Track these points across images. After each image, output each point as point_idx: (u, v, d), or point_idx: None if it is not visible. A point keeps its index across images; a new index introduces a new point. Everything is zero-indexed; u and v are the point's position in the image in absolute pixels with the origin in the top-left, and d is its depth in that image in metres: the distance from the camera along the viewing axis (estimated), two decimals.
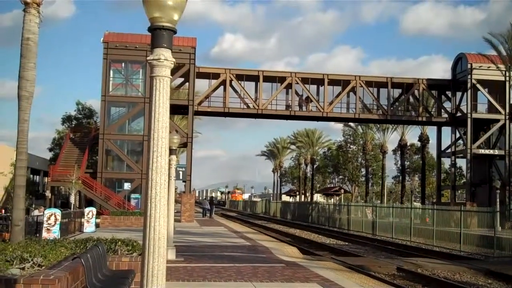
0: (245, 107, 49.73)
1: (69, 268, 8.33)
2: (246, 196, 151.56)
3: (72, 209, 33.62)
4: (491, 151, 49.32)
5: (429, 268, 19.98)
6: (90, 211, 29.37)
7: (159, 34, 4.60)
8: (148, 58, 4.68)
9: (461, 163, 59.74)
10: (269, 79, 50.36)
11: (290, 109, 49.66)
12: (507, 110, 46.90)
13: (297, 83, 49.39)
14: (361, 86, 50.04)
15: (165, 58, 4.60)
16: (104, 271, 9.39)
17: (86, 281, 8.24)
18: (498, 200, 36.77)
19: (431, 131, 61.04)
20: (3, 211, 30.48)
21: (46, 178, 55.94)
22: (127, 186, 44.14)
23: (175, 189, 51.40)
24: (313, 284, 12.83)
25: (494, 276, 18.50)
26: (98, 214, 33.44)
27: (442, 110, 52.67)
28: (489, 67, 47.33)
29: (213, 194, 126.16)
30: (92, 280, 8.31)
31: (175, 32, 4.66)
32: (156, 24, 4.59)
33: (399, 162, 76.27)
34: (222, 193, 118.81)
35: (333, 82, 50.85)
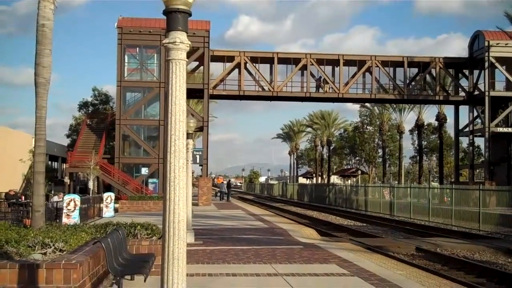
0: (260, 89, 49.58)
1: (90, 253, 8.41)
2: (262, 179, 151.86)
3: (90, 195, 33.94)
4: (510, 129, 48.76)
5: (448, 247, 19.93)
6: (109, 196, 29.61)
7: (174, 17, 4.57)
8: (163, 41, 4.65)
9: (479, 142, 59.21)
10: (284, 61, 50.08)
11: (306, 91, 49.43)
12: None
13: (312, 64, 49.07)
14: (377, 66, 49.60)
15: (180, 41, 4.57)
16: (124, 255, 9.47)
17: (107, 265, 8.33)
18: None
19: (449, 110, 60.52)
20: (23, 197, 30.82)
21: (64, 164, 56.43)
22: (144, 171, 44.40)
23: (192, 173, 51.58)
24: (331, 265, 12.85)
25: None
26: (117, 199, 33.70)
27: (460, 89, 52.05)
28: (506, 44, 46.67)
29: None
30: (113, 264, 8.39)
31: (190, 15, 4.62)
32: (171, 7, 4.55)
33: (416, 142, 75.85)
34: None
35: (348, 63, 50.46)
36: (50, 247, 8.11)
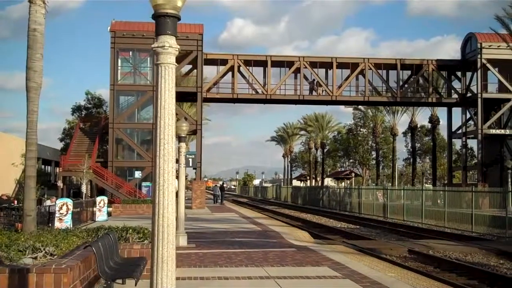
0: (253, 92, 49.60)
1: (81, 257, 8.40)
2: (257, 182, 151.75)
3: (83, 199, 33.83)
4: (502, 131, 48.95)
5: (441, 249, 19.98)
6: (102, 200, 29.53)
7: (163, 21, 4.59)
8: (152, 45, 4.67)
9: (472, 143, 59.44)
10: (277, 64, 50.12)
11: (299, 94, 49.48)
12: None
13: (306, 67, 49.13)
14: (370, 69, 49.72)
15: (169, 45, 4.59)
16: (116, 259, 9.45)
17: (98, 269, 8.31)
18: (510, 180, 36.52)
19: (442, 112, 60.91)
20: (15, 202, 30.69)
21: (57, 168, 56.29)
22: (137, 174, 44.32)
23: (186, 176, 51.62)
24: (324, 267, 12.87)
25: (507, 256, 18.48)
26: (110, 203, 33.61)
27: (452, 91, 52.26)
28: (499, 46, 46.79)
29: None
30: (104, 268, 8.37)
31: (179, 19, 4.64)
32: (160, 11, 4.57)
33: (410, 144, 76.02)
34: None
35: (341, 66, 50.53)
36: (41, 252, 8.10)
